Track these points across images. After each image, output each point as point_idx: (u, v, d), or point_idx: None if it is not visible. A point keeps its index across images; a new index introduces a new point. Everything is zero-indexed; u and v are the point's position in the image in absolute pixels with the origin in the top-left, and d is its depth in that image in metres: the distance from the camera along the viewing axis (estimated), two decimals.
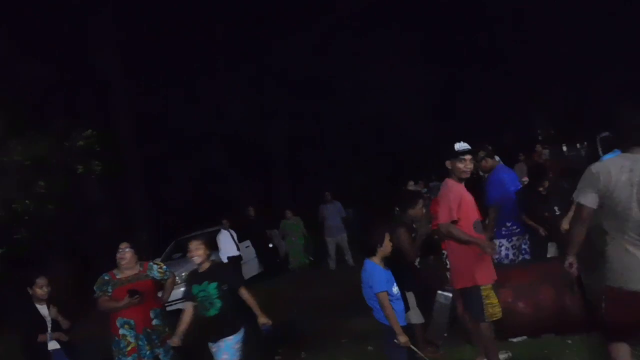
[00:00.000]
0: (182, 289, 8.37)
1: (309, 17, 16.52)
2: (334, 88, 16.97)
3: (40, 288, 4.25)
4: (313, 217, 10.55)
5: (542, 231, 4.81)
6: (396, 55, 16.30)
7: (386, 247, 3.45)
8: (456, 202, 3.64)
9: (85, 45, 12.79)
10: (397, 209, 4.75)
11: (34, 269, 4.58)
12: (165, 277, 4.43)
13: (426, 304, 4.43)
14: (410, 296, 4.41)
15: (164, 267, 4.49)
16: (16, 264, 8.56)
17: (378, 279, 3.34)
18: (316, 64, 16.44)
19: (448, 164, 3.74)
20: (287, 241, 10.94)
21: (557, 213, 4.69)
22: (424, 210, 4.53)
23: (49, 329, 4.27)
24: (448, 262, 4.86)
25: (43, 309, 4.31)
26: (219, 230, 9.53)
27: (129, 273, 4.21)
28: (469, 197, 3.74)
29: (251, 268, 10.40)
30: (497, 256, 4.72)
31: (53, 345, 4.26)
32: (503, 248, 4.98)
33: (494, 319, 3.63)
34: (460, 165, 3.68)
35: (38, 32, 11.34)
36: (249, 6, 16.09)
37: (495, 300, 3.63)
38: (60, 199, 8.67)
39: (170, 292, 4.52)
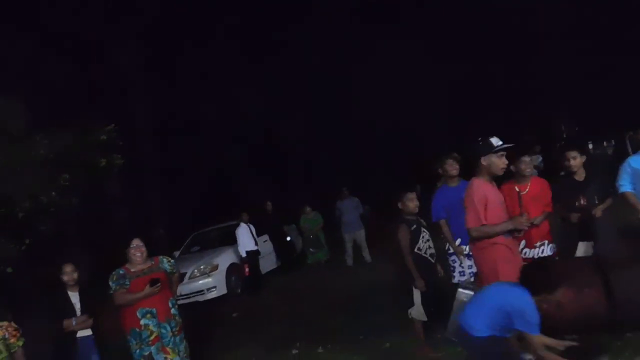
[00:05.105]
0: (200, 282, 8.64)
1: (327, 15, 16.53)
2: (351, 85, 16.94)
3: (69, 274, 4.43)
4: (330, 213, 10.53)
5: (573, 218, 4.51)
6: (413, 52, 16.18)
7: None
8: (482, 204, 3.58)
9: (108, 40, 12.97)
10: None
11: (59, 259, 4.70)
12: (174, 271, 4.63)
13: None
14: (416, 293, 4.43)
15: (172, 261, 4.70)
16: (40, 256, 8.74)
17: (534, 319, 2.97)
18: (334, 61, 16.43)
19: (484, 160, 3.66)
20: (305, 236, 10.96)
21: (596, 202, 4.44)
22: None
23: (78, 315, 4.37)
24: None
25: (74, 296, 4.44)
26: (237, 224, 9.59)
27: (141, 267, 4.34)
28: (494, 197, 3.67)
29: (269, 262, 10.48)
30: None
31: (82, 332, 4.37)
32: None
33: None
34: (499, 162, 3.64)
35: (61, 29, 11.53)
36: (270, 2, 16.14)
37: None
38: (83, 192, 8.82)
39: (177, 286, 4.87)
